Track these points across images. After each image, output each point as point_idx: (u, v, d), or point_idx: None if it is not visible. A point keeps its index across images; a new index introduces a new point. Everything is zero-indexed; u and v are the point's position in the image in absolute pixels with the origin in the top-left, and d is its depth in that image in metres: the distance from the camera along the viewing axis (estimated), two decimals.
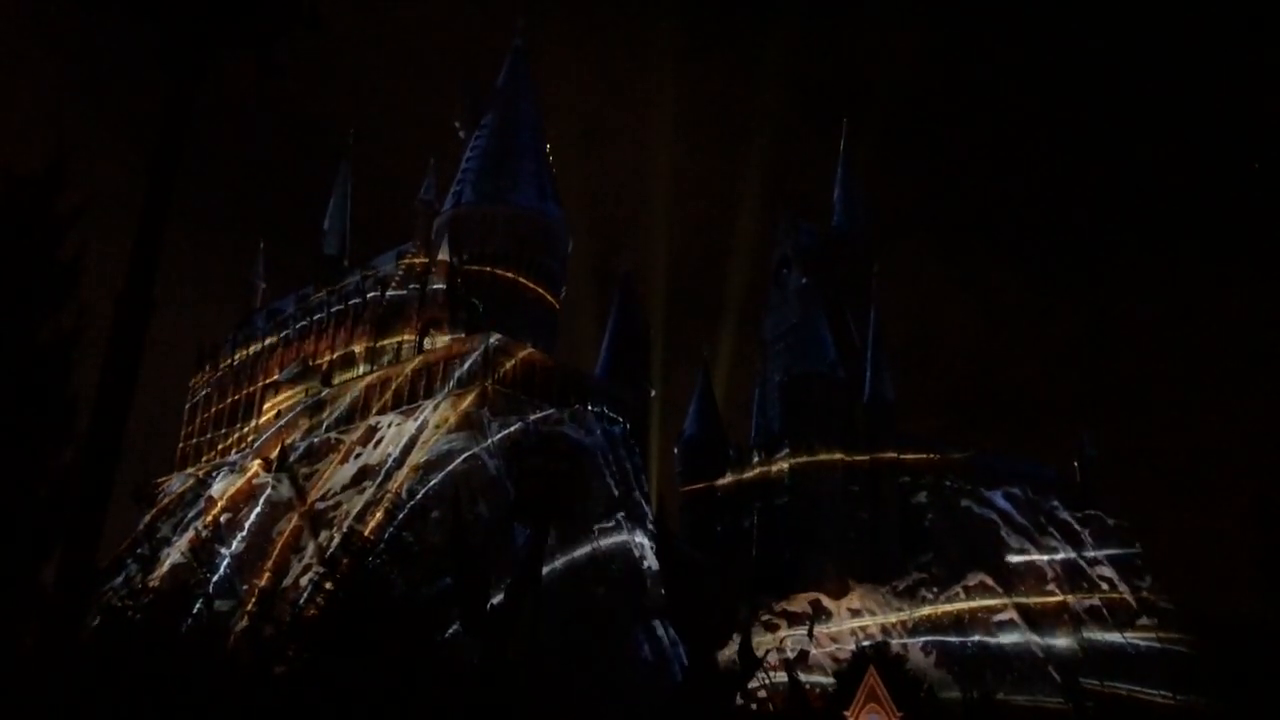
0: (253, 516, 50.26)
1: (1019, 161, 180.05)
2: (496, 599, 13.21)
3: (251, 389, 61.78)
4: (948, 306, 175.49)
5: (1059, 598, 60.84)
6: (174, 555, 48.96)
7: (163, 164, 4.28)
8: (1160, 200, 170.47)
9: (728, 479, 70.89)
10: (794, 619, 58.41)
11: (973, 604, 59.53)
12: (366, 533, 33.48)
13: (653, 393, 68.69)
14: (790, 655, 55.98)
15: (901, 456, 65.16)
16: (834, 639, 57.23)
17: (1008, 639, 58.34)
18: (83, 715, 11.30)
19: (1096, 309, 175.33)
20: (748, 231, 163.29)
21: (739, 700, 38.86)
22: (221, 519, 51.69)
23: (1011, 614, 59.28)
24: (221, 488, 54.14)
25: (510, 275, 60.04)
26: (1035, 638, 58.64)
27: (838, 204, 79.27)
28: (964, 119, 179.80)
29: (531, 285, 60.73)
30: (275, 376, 59.09)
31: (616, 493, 50.81)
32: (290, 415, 55.24)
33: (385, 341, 56.32)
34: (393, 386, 52.97)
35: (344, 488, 48.98)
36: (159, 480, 60.98)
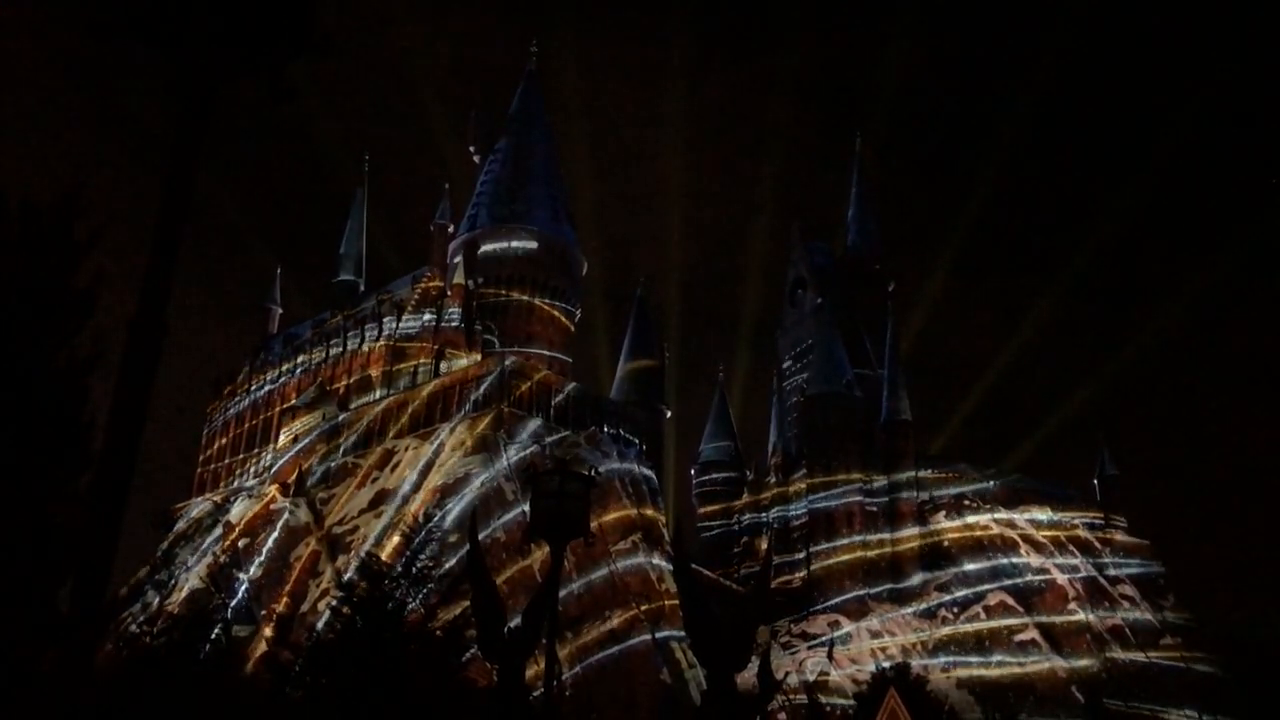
0: (270, 541, 50.32)
1: (1035, 175, 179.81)
2: (514, 622, 13.13)
3: (268, 414, 61.97)
4: (964, 324, 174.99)
5: (1081, 617, 60.21)
6: (192, 580, 49.06)
7: (175, 188, 4.30)
8: (1179, 213, 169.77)
9: (745, 499, 70.67)
10: (813, 640, 58.03)
11: (994, 624, 58.99)
12: (384, 556, 33.45)
13: (668, 413, 68.67)
14: (810, 677, 55.55)
15: (920, 476, 64.82)
16: (854, 660, 56.79)
17: (1030, 659, 57.76)
18: None
19: (1115, 324, 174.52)
20: (762, 249, 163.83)
21: None
22: (239, 544, 51.78)
23: (1033, 634, 58.69)
24: (239, 513, 54.26)
25: (525, 298, 60.26)
26: (1058, 658, 58.04)
27: (852, 223, 79.32)
28: (979, 133, 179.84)
29: (546, 307, 60.93)
30: (292, 401, 59.27)
31: (633, 514, 50.70)
32: (307, 440, 55.38)
33: (401, 365, 56.48)
34: (409, 410, 53.08)
35: (361, 512, 49.01)
36: (177, 506, 61.20)
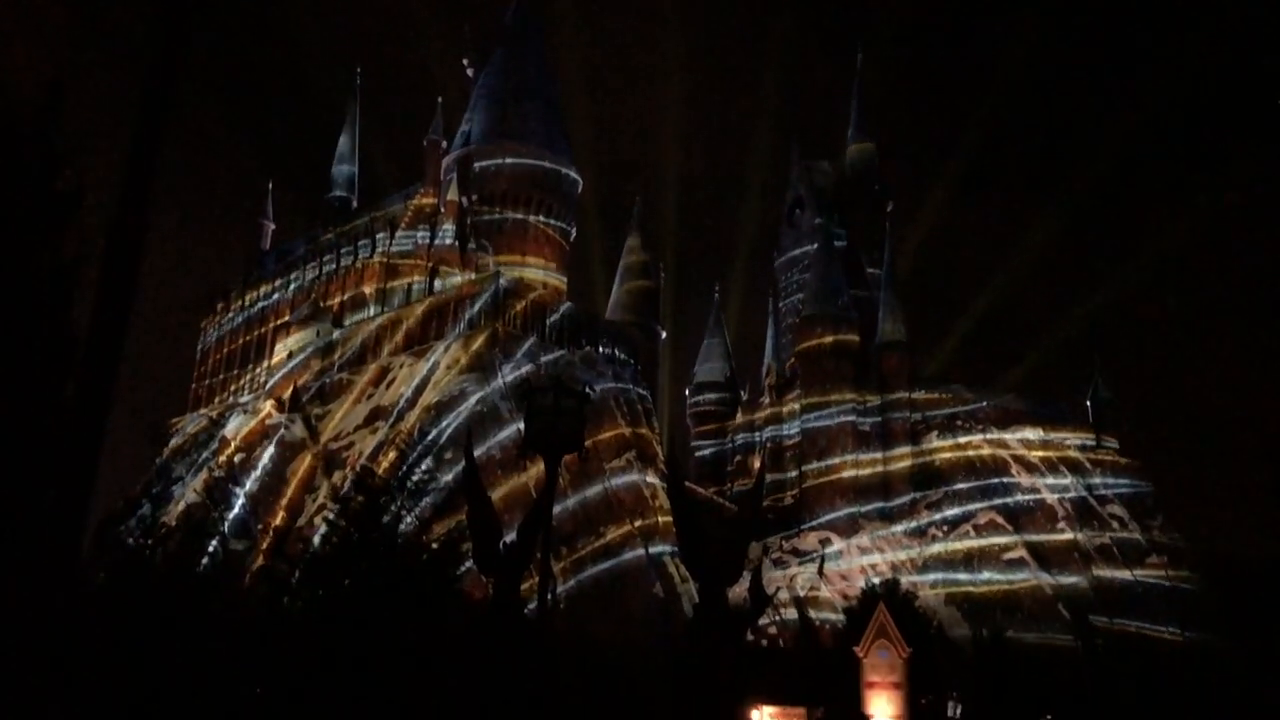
0: (266, 456, 50.58)
1: (1037, 94, 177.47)
2: (509, 537, 13.18)
3: (263, 330, 61.82)
4: (962, 245, 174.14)
5: (1069, 536, 60.97)
6: (188, 495, 49.40)
7: (156, 80, 4.10)
8: (1181, 135, 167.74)
9: (739, 419, 71.07)
10: (804, 557, 58.82)
11: (983, 542, 59.78)
12: (379, 472, 33.64)
13: (663, 333, 68.66)
14: (801, 593, 56.43)
15: (913, 396, 65.08)
16: (844, 577, 57.63)
17: (1018, 577, 58.66)
18: (100, 652, 11.39)
19: (1113, 245, 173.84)
20: (761, 169, 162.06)
21: (749, 637, 39.20)
22: (235, 459, 52.03)
23: (1021, 552, 59.50)
24: (235, 428, 54.42)
25: (520, 216, 59.66)
26: (1045, 576, 58.92)
27: (851, 143, 78.41)
28: (981, 50, 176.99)
29: (541, 226, 60.36)
30: (286, 318, 59.09)
31: (627, 433, 50.96)
32: (302, 356, 55.32)
33: (395, 283, 56.19)
34: (404, 328, 52.96)
35: (356, 428, 49.20)
36: (172, 420, 61.37)
